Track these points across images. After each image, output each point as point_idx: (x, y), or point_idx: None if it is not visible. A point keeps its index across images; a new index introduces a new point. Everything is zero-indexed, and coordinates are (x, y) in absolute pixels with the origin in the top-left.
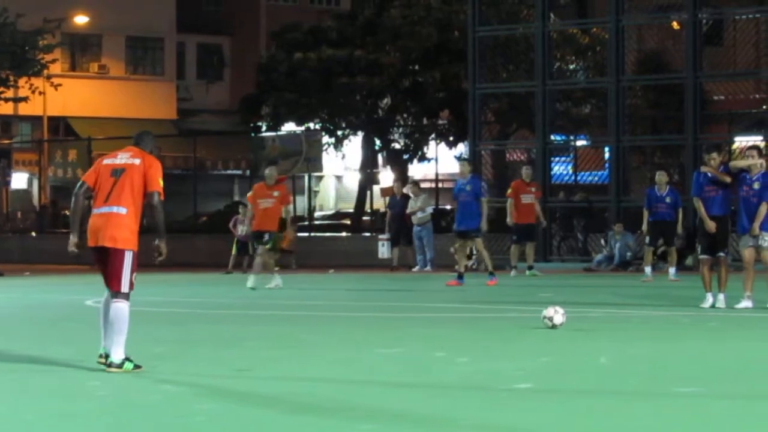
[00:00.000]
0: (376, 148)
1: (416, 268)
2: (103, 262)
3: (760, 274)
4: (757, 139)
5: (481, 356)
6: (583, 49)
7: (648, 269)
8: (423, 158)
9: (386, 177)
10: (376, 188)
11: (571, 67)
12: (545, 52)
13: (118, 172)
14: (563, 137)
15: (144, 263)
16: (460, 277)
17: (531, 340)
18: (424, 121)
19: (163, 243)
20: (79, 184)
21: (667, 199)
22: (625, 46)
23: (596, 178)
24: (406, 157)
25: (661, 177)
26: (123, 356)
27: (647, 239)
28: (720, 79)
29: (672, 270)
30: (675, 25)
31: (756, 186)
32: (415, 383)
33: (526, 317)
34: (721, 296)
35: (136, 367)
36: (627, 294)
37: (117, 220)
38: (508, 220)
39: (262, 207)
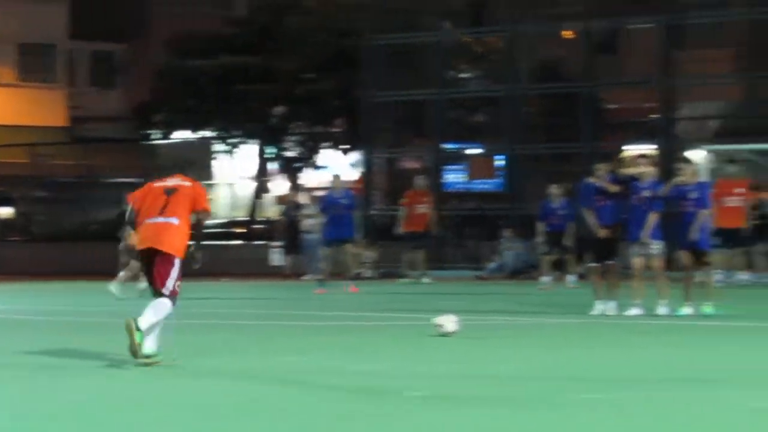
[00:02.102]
0: (270, 156)
1: (308, 276)
2: (151, 264)
3: (650, 282)
4: (650, 148)
5: (375, 363)
6: (477, 57)
7: (545, 278)
8: (317, 166)
9: (279, 185)
10: (268, 196)
11: (466, 75)
12: (440, 61)
13: (170, 191)
14: (457, 145)
15: (34, 272)
16: (322, 283)
17: (426, 347)
18: (319, 129)
19: (199, 253)
20: (129, 210)
21: (561, 211)
22: (519, 55)
23: (489, 186)
24: (299, 165)
25: (554, 190)
26: (146, 328)
27: (543, 248)
28: (614, 87)
29: (570, 277)
30: (569, 34)
31: (646, 194)
32: (309, 390)
33: (422, 325)
34: (611, 304)
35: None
36: (521, 301)
37: (172, 230)
38: (399, 229)
39: None
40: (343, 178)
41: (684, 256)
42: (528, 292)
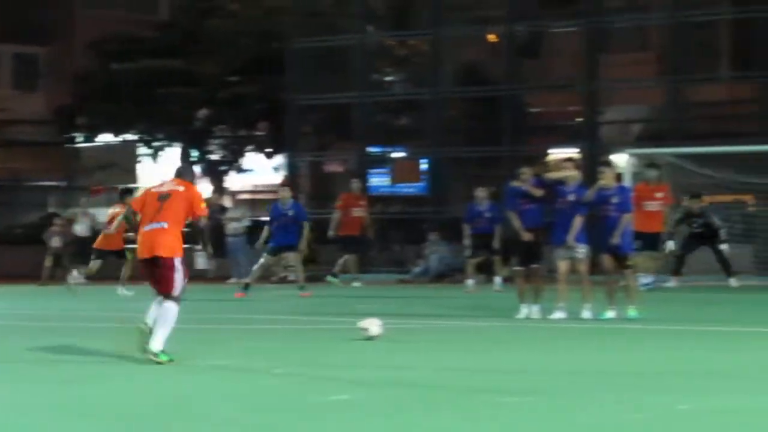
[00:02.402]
0: (194, 159)
1: (233, 280)
2: (153, 271)
3: (574, 286)
4: (573, 151)
5: (298, 367)
6: (401, 60)
7: (470, 281)
8: (241, 170)
9: (204, 188)
10: None
11: (390, 78)
12: (364, 64)
13: (164, 197)
14: (381, 149)
15: None
16: (246, 287)
17: (349, 351)
18: (243, 132)
19: (210, 257)
20: (128, 209)
21: (487, 214)
22: (443, 58)
23: (414, 190)
24: (223, 168)
25: (480, 192)
26: (161, 348)
27: (468, 251)
28: (537, 91)
29: (497, 280)
30: (493, 37)
31: (571, 198)
32: (232, 395)
33: (346, 328)
34: (535, 307)
35: (170, 360)
36: (445, 305)
37: (164, 234)
38: (332, 232)
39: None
40: (287, 191)
41: (606, 260)
42: (453, 295)
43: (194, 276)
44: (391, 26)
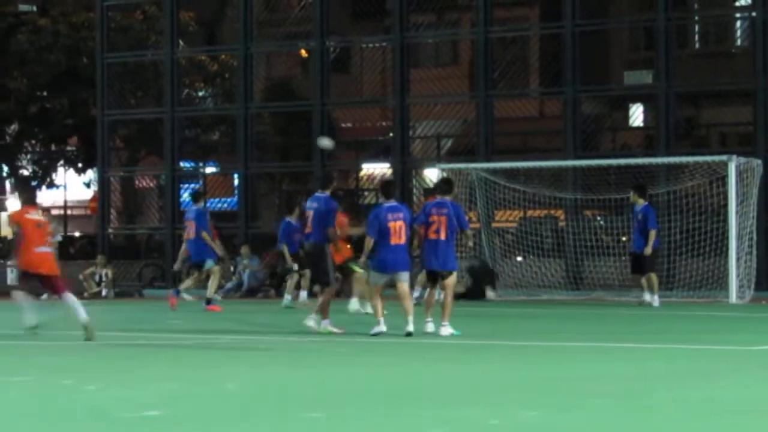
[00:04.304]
0: (4, 174)
1: (45, 296)
2: (45, 281)
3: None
4: (384, 166)
5: (109, 383)
6: (212, 75)
7: (288, 297)
8: (51, 185)
9: (14, 204)
10: (3, 215)
11: (201, 93)
12: (174, 79)
13: (40, 225)
14: (192, 164)
15: None
16: (177, 292)
17: (160, 366)
18: (53, 147)
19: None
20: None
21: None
22: (253, 74)
23: (225, 205)
24: (34, 183)
25: (298, 208)
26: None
27: (296, 266)
28: (347, 106)
29: (303, 294)
30: (303, 52)
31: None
32: (41, 413)
33: (155, 344)
34: (325, 321)
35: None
36: (255, 321)
37: (51, 256)
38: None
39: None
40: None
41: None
42: (263, 310)
43: (6, 292)
44: (202, 42)
